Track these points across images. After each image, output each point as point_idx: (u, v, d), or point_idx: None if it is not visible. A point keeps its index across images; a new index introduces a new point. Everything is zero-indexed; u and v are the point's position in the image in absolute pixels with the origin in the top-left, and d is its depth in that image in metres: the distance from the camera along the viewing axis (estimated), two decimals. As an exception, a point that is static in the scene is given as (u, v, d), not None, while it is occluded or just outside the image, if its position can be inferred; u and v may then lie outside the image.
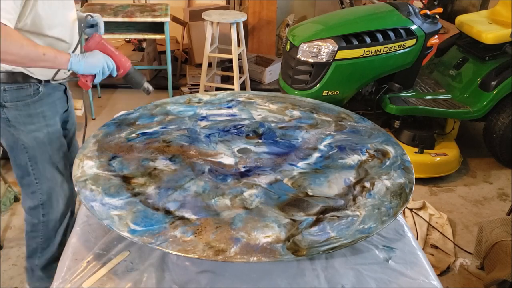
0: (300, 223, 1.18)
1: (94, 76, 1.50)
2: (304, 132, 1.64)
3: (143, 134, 1.60)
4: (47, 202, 1.76)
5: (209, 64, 4.14)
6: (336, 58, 2.87)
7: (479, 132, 3.56)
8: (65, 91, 1.76)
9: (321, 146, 1.55)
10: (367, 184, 1.35)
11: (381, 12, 3.10)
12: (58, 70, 1.55)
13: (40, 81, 1.60)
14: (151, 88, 1.66)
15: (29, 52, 1.36)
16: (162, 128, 1.64)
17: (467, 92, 3.19)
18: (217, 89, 4.03)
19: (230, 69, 4.16)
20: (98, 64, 1.48)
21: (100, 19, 1.75)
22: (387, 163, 1.46)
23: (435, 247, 2.53)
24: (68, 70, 1.46)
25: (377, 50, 2.90)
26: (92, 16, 1.71)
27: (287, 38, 3.13)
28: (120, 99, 4.30)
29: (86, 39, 1.60)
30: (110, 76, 1.54)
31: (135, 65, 4.37)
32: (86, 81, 1.49)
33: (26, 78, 1.56)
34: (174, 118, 1.72)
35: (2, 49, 1.31)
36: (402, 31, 2.94)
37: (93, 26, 1.74)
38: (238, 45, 3.89)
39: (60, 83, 1.68)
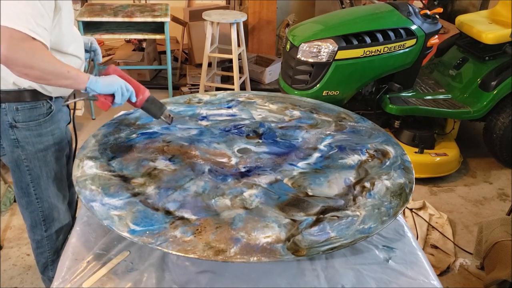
0: (300, 223, 1.18)
1: (113, 96, 1.44)
2: (304, 132, 1.64)
3: (143, 134, 1.60)
4: (48, 218, 1.70)
5: (209, 64, 4.14)
6: (336, 58, 2.87)
7: (479, 132, 3.56)
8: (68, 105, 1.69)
9: (321, 146, 1.55)
10: (367, 184, 1.35)
11: (381, 12, 3.10)
12: (73, 92, 1.51)
13: (51, 98, 1.55)
14: (171, 116, 1.56)
15: (55, 69, 1.32)
16: (161, 128, 1.64)
17: (467, 92, 3.19)
18: (217, 89, 4.03)
19: (230, 69, 4.16)
20: (115, 83, 1.42)
21: (98, 47, 1.74)
22: (387, 163, 1.46)
23: (435, 247, 2.53)
24: (85, 90, 1.41)
25: (377, 50, 2.90)
26: (92, 43, 1.72)
27: (287, 38, 3.13)
28: (120, 99, 4.29)
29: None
30: (130, 101, 1.49)
31: (134, 65, 4.39)
32: (106, 99, 1.44)
33: (39, 96, 1.51)
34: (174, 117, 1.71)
35: (31, 64, 1.28)
36: (402, 31, 2.94)
37: (87, 51, 1.70)
38: (238, 45, 3.89)
39: (62, 98, 1.61)
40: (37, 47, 1.29)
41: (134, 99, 1.49)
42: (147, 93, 1.51)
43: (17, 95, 1.47)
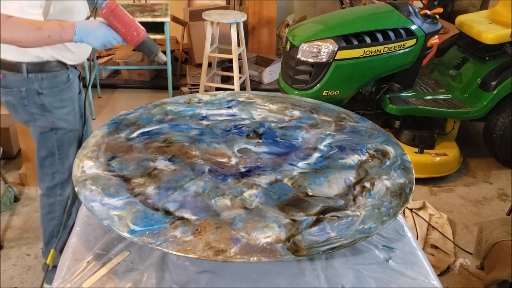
0: (300, 223, 1.18)
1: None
2: (304, 132, 1.64)
3: (143, 134, 1.60)
4: (66, 180, 1.92)
5: (209, 64, 4.14)
6: (336, 58, 2.87)
7: (479, 132, 3.56)
8: (79, 76, 1.91)
9: (321, 146, 1.55)
10: (367, 184, 1.35)
11: (381, 12, 3.10)
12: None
13: (68, 68, 1.78)
14: (164, 58, 1.60)
15: (34, 37, 1.49)
16: (162, 128, 1.64)
17: (467, 92, 3.19)
18: (217, 89, 4.03)
19: (230, 69, 4.16)
20: (99, 41, 1.49)
21: None
22: (387, 163, 1.46)
23: (435, 247, 2.53)
24: (74, 41, 1.52)
25: (377, 50, 2.90)
26: None
27: (287, 38, 3.13)
28: (120, 99, 4.30)
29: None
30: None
31: (135, 65, 4.39)
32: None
33: (59, 66, 1.74)
34: (174, 117, 1.71)
35: (12, 38, 1.48)
36: (402, 31, 2.94)
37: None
38: (238, 45, 3.89)
39: (76, 68, 1.86)
40: (10, 22, 1.46)
41: (125, 43, 1.54)
42: (140, 37, 1.51)
43: (41, 66, 1.71)
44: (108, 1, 1.48)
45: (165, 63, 1.60)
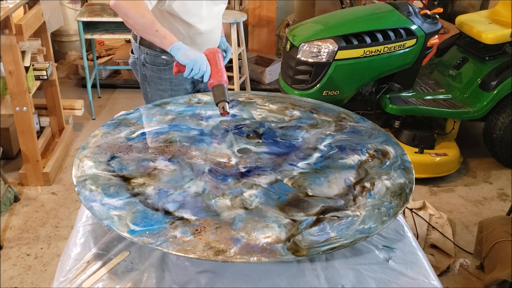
0: (300, 223, 1.18)
1: (185, 68, 1.65)
2: (304, 132, 1.64)
3: (143, 134, 1.60)
4: None
5: (209, 64, 4.13)
6: (336, 58, 2.87)
7: (479, 132, 3.56)
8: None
9: (321, 146, 1.55)
10: (367, 184, 1.35)
11: (381, 12, 3.10)
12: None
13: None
14: (225, 110, 1.60)
15: (144, 24, 1.68)
16: (162, 128, 1.64)
17: (467, 92, 3.19)
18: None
19: (230, 69, 4.16)
20: (193, 58, 1.62)
21: (230, 51, 2.04)
22: (387, 163, 1.46)
23: (435, 247, 2.53)
24: (169, 52, 1.68)
25: (377, 50, 2.90)
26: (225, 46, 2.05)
27: (287, 38, 3.13)
28: (120, 99, 4.30)
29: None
30: (202, 79, 1.68)
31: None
32: (178, 66, 1.66)
33: (162, 49, 1.79)
34: (174, 117, 1.71)
35: (127, 13, 1.69)
36: (402, 31, 2.94)
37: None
38: (238, 45, 3.89)
39: None
40: (138, 3, 1.68)
41: (206, 79, 1.66)
42: (219, 82, 1.63)
43: (149, 43, 1.85)
44: (216, 48, 1.73)
45: (225, 114, 1.62)
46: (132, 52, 2.02)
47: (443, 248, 2.51)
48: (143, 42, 1.91)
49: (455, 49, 3.45)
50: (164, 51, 1.84)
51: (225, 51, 2.03)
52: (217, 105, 1.61)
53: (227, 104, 1.60)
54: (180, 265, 1.23)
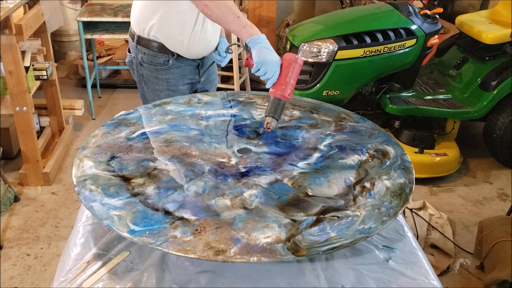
0: (300, 223, 1.18)
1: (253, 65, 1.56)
2: (304, 132, 1.64)
3: (143, 134, 1.60)
4: None
5: (209, 64, 4.13)
6: (336, 58, 2.87)
7: (479, 132, 3.56)
8: (198, 66, 2.01)
9: (321, 146, 1.55)
10: (367, 184, 1.35)
11: (381, 12, 3.10)
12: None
13: (173, 54, 1.89)
14: (272, 126, 1.52)
15: (230, 8, 1.61)
16: (162, 128, 1.64)
17: (467, 92, 3.19)
18: (217, 89, 4.03)
19: (230, 69, 4.16)
20: (262, 60, 1.52)
21: (231, 56, 2.07)
22: (387, 163, 1.46)
23: (435, 247, 2.53)
24: (245, 44, 1.61)
25: (377, 50, 2.90)
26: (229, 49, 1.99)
27: (287, 38, 3.13)
28: (120, 99, 4.30)
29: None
30: (262, 81, 1.68)
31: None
32: (247, 60, 1.60)
33: (161, 49, 1.88)
34: (174, 117, 1.71)
35: (214, 4, 1.61)
36: (402, 31, 2.94)
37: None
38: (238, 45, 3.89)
39: (194, 59, 1.96)
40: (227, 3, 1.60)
41: (269, 85, 1.54)
42: (281, 95, 1.51)
43: (147, 43, 1.89)
44: (298, 56, 1.55)
45: (267, 129, 1.54)
46: (129, 51, 2.00)
47: (443, 248, 2.51)
48: (140, 42, 1.90)
49: (455, 49, 3.45)
50: (162, 51, 1.88)
51: (226, 52, 2.02)
52: (265, 117, 1.53)
53: (275, 121, 1.52)
54: (180, 265, 1.23)
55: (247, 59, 1.60)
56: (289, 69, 1.51)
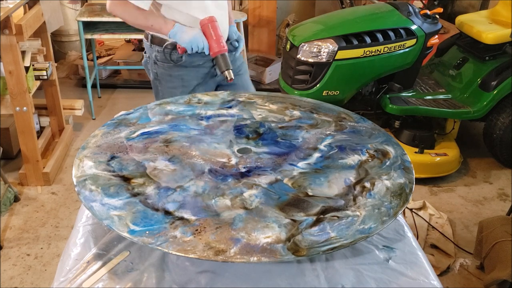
0: (300, 223, 1.18)
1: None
2: (304, 132, 1.64)
3: (143, 134, 1.60)
4: None
5: (209, 64, 4.13)
6: (336, 58, 2.87)
7: (479, 132, 3.56)
8: (212, 60, 2.02)
9: (321, 146, 1.55)
10: (367, 184, 1.35)
11: (381, 12, 3.10)
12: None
13: (185, 51, 1.93)
14: (232, 76, 1.84)
15: (140, 24, 1.86)
16: (162, 128, 1.64)
17: (467, 92, 3.19)
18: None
19: (230, 69, 4.15)
20: (190, 40, 1.81)
21: (242, 41, 2.14)
22: (387, 163, 1.46)
23: (435, 247, 2.53)
24: (169, 38, 1.86)
25: (377, 50, 2.90)
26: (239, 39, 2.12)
27: (287, 38, 3.13)
28: (120, 99, 4.30)
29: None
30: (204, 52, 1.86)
31: (134, 65, 4.39)
32: (180, 48, 1.88)
33: (174, 46, 1.93)
34: (174, 117, 1.71)
35: (123, 18, 1.86)
36: (402, 31, 2.94)
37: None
38: (238, 45, 3.88)
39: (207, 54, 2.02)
40: (128, 7, 1.81)
41: (207, 52, 1.84)
42: (217, 51, 1.83)
43: (160, 41, 1.96)
44: (210, 16, 1.84)
45: (231, 80, 1.85)
46: (145, 52, 2.07)
47: (443, 248, 2.51)
48: (154, 40, 1.97)
49: (455, 49, 3.45)
50: (175, 48, 1.96)
51: (237, 40, 2.09)
52: (222, 74, 1.81)
53: (231, 71, 1.82)
54: (180, 265, 1.23)
55: (178, 47, 1.86)
56: (210, 30, 1.81)
